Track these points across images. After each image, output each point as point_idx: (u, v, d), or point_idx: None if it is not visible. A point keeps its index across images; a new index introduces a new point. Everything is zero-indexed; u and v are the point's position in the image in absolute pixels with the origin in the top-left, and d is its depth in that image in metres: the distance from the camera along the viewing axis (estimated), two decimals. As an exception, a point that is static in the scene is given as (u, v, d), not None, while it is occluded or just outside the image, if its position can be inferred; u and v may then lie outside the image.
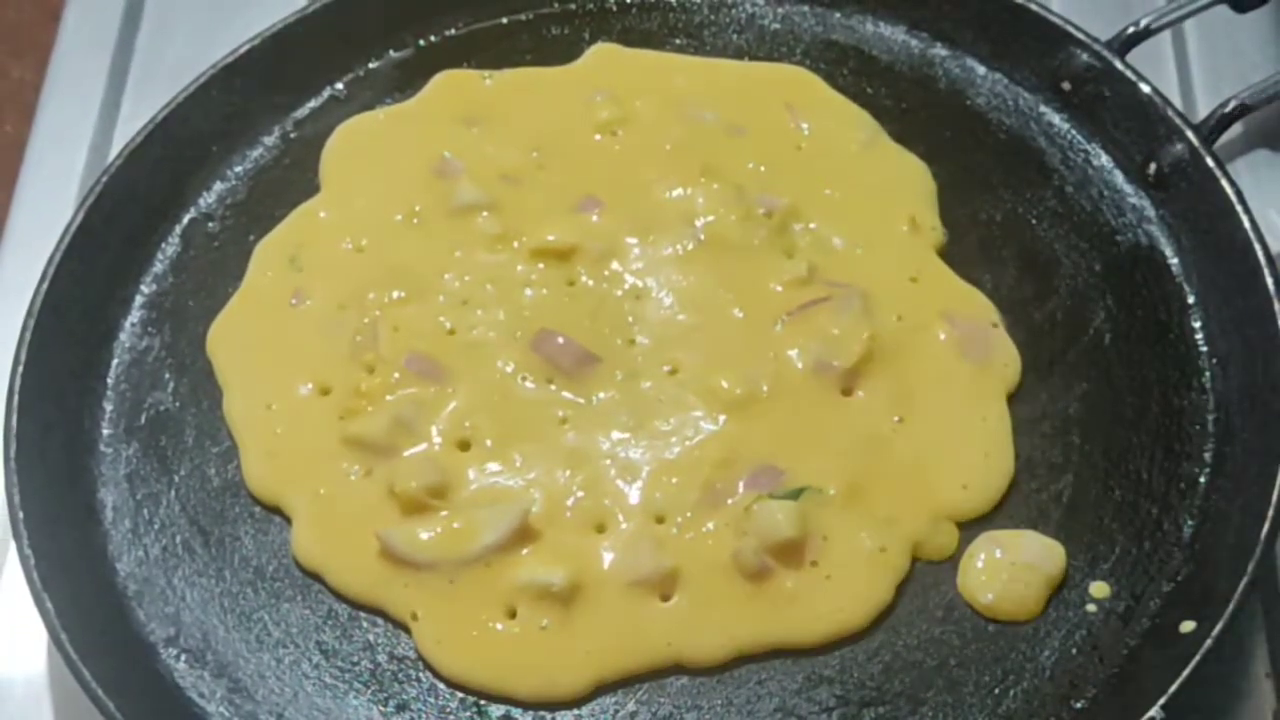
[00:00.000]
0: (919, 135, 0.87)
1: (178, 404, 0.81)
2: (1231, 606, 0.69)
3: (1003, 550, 0.74)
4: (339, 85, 0.92)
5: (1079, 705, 0.70)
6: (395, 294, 0.82)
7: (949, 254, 0.83)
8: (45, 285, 0.80)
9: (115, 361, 0.83)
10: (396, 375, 0.79)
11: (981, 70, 0.89)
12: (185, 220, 0.87)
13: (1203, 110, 0.87)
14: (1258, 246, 0.77)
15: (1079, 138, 0.86)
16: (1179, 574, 0.73)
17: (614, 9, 0.94)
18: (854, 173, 0.86)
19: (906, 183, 0.85)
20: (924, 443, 0.77)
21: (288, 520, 0.77)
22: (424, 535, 0.74)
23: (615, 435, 0.77)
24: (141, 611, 0.75)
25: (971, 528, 0.75)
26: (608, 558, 0.74)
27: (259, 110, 0.90)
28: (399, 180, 0.87)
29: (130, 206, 0.85)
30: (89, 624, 0.72)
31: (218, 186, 0.88)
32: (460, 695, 0.72)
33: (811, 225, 0.84)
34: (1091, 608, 0.73)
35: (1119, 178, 0.85)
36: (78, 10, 1.03)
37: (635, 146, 0.87)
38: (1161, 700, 0.67)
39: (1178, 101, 0.85)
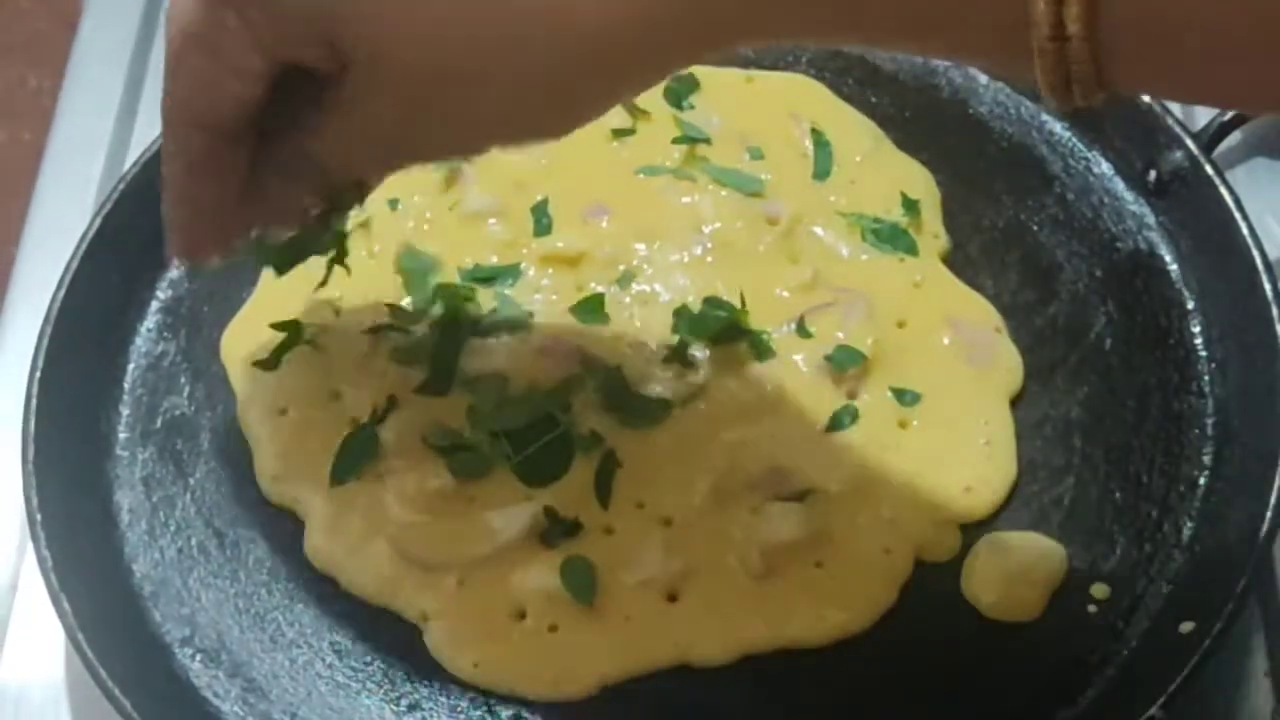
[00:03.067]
0: (922, 143, 0.88)
1: (193, 408, 0.82)
2: (1231, 607, 0.69)
3: (1005, 552, 0.74)
4: (351, 94, 0.93)
5: (1079, 705, 0.71)
6: (406, 300, 0.83)
7: (952, 260, 0.84)
8: (62, 291, 0.81)
9: (131, 366, 0.83)
10: (408, 379, 0.80)
11: (984, 79, 0.90)
12: (200, 226, 0.88)
13: (1202, 119, 0.87)
14: (1256, 253, 0.78)
15: (1080, 146, 0.87)
16: (1179, 575, 0.73)
17: (622, 19, 0.95)
18: (858, 180, 0.87)
19: (910, 190, 0.86)
20: (927, 446, 0.77)
21: (301, 522, 0.78)
22: (435, 537, 0.75)
23: (623, 437, 0.77)
24: (157, 612, 0.76)
25: (974, 529, 0.75)
26: (616, 559, 0.74)
27: (272, 118, 0.91)
28: (410, 187, 0.88)
29: (146, 213, 0.84)
30: (106, 625, 0.73)
31: (232, 193, 0.89)
32: (471, 695, 0.73)
33: (816, 231, 0.84)
34: (1092, 608, 0.73)
35: (1119, 185, 0.85)
36: (94, 20, 1.03)
37: (643, 154, 0.88)
38: (1161, 700, 0.67)
39: (1177, 110, 0.86)
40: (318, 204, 0.67)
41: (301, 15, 0.54)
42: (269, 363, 0.82)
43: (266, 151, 0.62)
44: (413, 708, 0.73)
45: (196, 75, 0.57)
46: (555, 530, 0.75)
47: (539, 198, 0.86)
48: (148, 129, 0.94)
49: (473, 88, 0.55)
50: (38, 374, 0.79)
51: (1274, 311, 0.76)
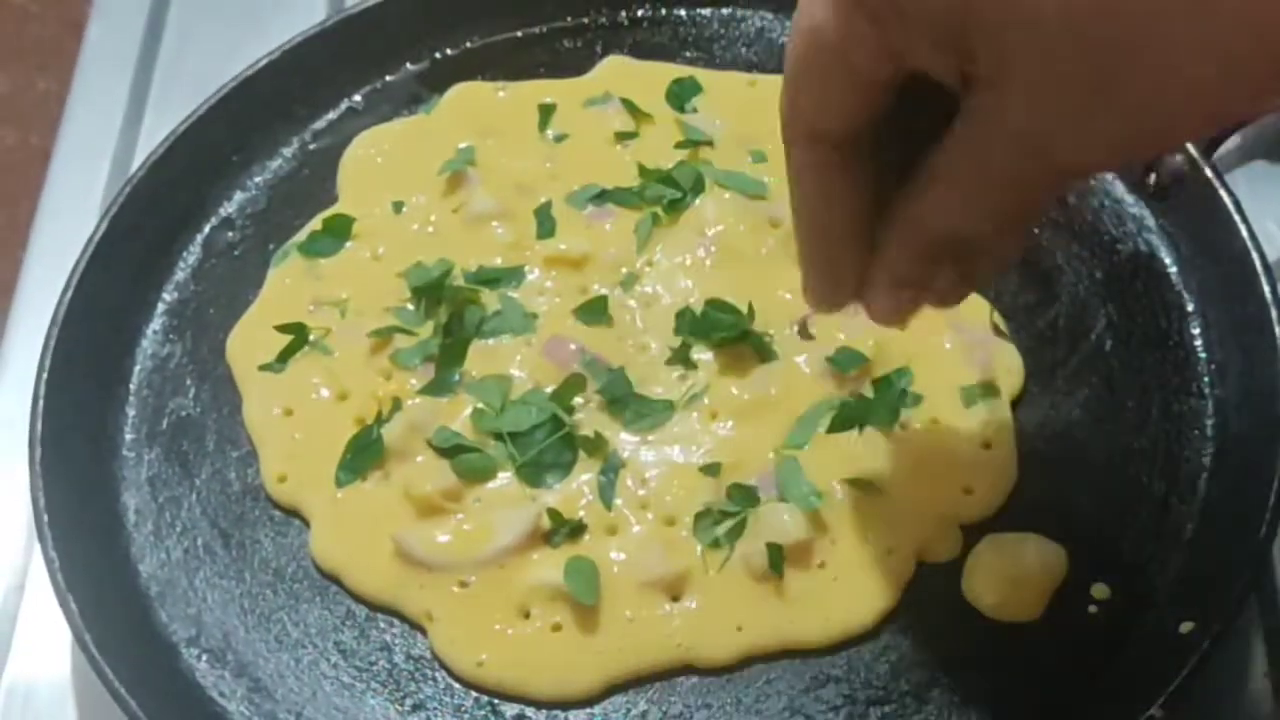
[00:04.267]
0: (924, 146, 0.88)
1: (199, 410, 0.82)
2: (1230, 608, 0.69)
3: (1006, 552, 0.74)
4: (356, 97, 0.93)
5: (1080, 704, 0.71)
6: (409, 302, 0.84)
7: (953, 262, 0.84)
8: (69, 294, 0.82)
9: (138, 368, 0.84)
10: (413, 381, 0.80)
11: (985, 83, 0.90)
12: (206, 229, 0.88)
13: (1201, 122, 0.88)
14: (1255, 255, 0.78)
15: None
16: (1179, 575, 0.74)
17: (625, 23, 0.95)
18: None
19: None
20: (929, 447, 0.78)
21: (306, 523, 0.78)
22: (439, 538, 0.76)
23: (626, 438, 0.78)
24: (163, 612, 0.76)
25: (975, 530, 0.76)
26: (619, 559, 0.75)
27: (278, 122, 0.91)
28: (415, 190, 0.88)
29: (152, 216, 0.87)
30: (112, 625, 0.73)
31: (238, 196, 0.90)
32: (475, 694, 0.73)
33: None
34: (1092, 609, 0.73)
35: (1119, 188, 0.86)
36: (101, 24, 1.04)
37: (646, 156, 0.88)
38: (1161, 700, 0.67)
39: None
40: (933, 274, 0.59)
41: (939, 15, 0.49)
42: (274, 365, 0.82)
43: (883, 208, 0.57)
44: (417, 707, 0.73)
45: (821, 82, 0.54)
46: (559, 531, 0.75)
47: (542, 200, 0.86)
48: (154, 133, 0.95)
49: (1168, 50, 0.46)
50: (45, 376, 0.79)
51: (1273, 313, 0.77)
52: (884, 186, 0.57)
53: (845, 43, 0.52)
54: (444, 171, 0.88)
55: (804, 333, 0.80)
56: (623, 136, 0.89)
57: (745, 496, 0.76)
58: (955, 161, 0.53)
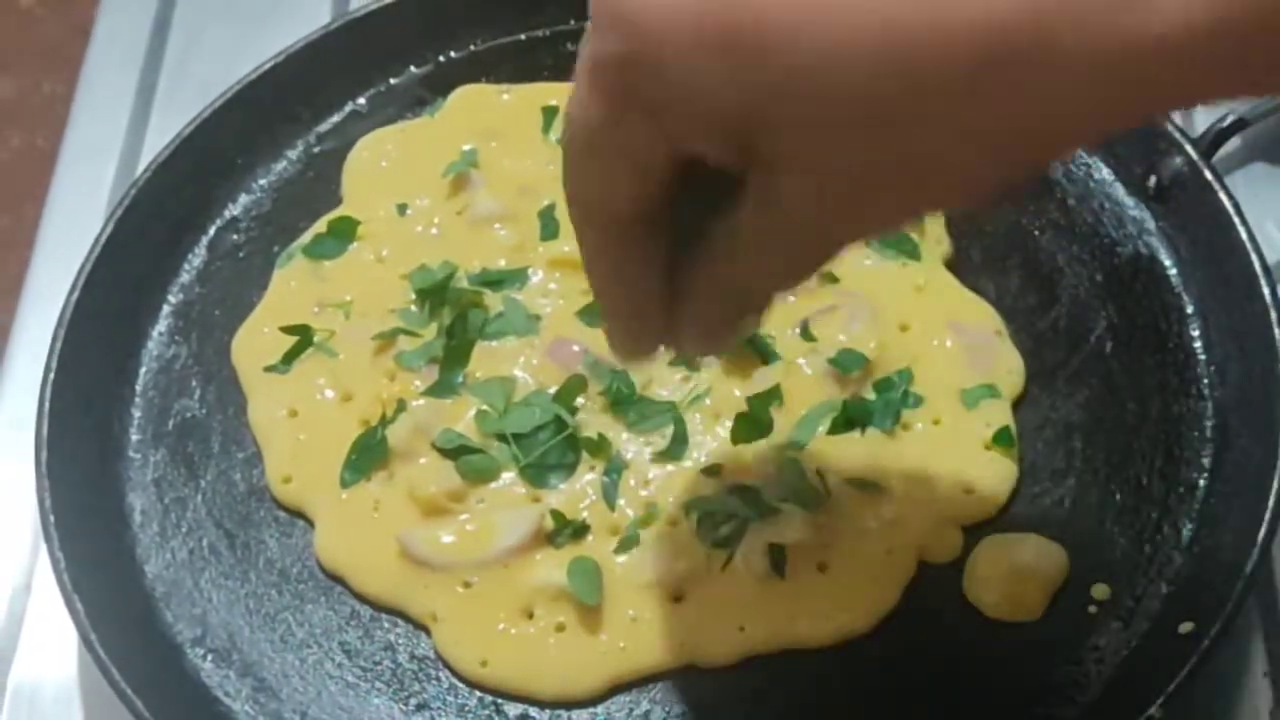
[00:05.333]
0: (925, 148, 0.88)
1: (204, 411, 0.83)
2: (1229, 608, 0.69)
3: (1006, 553, 0.75)
4: (361, 100, 0.93)
5: (1080, 704, 0.71)
6: (413, 304, 0.84)
7: (955, 264, 0.85)
8: (75, 295, 0.82)
9: (143, 369, 0.84)
10: (417, 383, 0.81)
11: (986, 86, 0.90)
12: (211, 231, 0.89)
13: (1201, 125, 0.88)
14: (1255, 257, 0.78)
15: (1080, 152, 0.87)
16: (1178, 576, 0.74)
17: (628, 26, 0.95)
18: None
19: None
20: (929, 448, 0.78)
21: (311, 524, 0.79)
22: (443, 538, 0.76)
23: (629, 439, 0.78)
24: (169, 613, 0.77)
25: (975, 531, 0.76)
26: (621, 560, 0.75)
27: (283, 124, 0.92)
28: (419, 192, 0.89)
29: (158, 218, 0.87)
30: (118, 625, 0.73)
31: (243, 199, 0.90)
32: (479, 694, 0.73)
33: (821, 236, 0.85)
34: (1092, 609, 0.73)
35: (1120, 190, 0.86)
36: (107, 27, 1.04)
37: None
38: (1161, 700, 0.68)
39: (1177, 116, 0.86)
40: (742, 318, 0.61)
41: (718, 111, 0.49)
42: (279, 366, 0.83)
43: (681, 262, 0.57)
44: (421, 707, 0.73)
45: (601, 172, 0.54)
46: (562, 532, 0.76)
47: (546, 202, 0.87)
48: (160, 134, 0.95)
49: (934, 132, 0.47)
50: (51, 377, 0.79)
51: (1272, 315, 0.77)
52: (681, 246, 0.56)
53: (620, 137, 0.51)
54: (448, 174, 0.88)
55: (805, 334, 0.81)
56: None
57: (747, 497, 0.76)
58: (748, 234, 0.53)
